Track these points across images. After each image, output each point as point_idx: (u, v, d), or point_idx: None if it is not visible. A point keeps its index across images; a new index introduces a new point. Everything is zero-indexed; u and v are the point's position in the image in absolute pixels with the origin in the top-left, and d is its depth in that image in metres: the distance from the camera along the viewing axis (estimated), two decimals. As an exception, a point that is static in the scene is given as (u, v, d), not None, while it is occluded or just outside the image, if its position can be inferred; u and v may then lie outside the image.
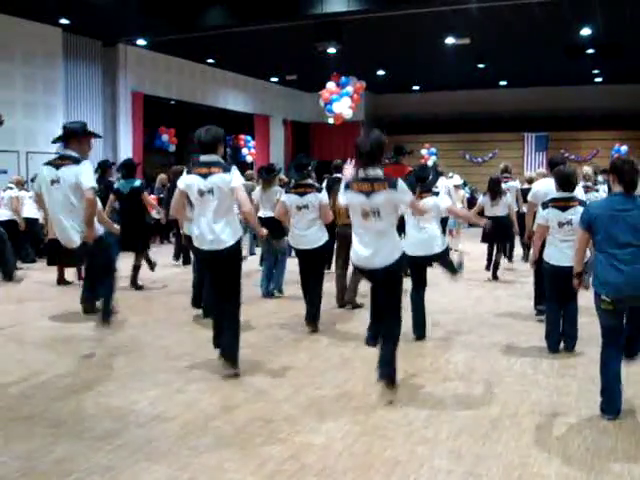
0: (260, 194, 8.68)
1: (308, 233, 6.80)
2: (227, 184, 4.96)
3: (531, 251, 6.58)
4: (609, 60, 17.55)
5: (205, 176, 5.01)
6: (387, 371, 4.77)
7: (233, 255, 5.18)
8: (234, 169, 5.05)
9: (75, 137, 5.63)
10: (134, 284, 9.34)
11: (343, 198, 4.88)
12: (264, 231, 5.80)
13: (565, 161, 7.32)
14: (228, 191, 4.98)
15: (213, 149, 5.11)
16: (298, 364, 5.74)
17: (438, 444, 4.03)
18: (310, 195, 6.78)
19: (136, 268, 9.39)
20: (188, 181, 5.14)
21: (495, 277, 10.45)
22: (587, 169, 9.92)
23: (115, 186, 9.45)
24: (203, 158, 5.11)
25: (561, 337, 6.16)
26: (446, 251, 6.57)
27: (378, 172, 4.67)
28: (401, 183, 4.68)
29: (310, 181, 6.99)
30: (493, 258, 10.59)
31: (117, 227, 6.97)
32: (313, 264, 6.93)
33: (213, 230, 5.06)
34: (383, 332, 4.93)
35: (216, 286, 5.43)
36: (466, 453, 3.89)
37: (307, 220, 6.79)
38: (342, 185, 4.92)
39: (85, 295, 6.69)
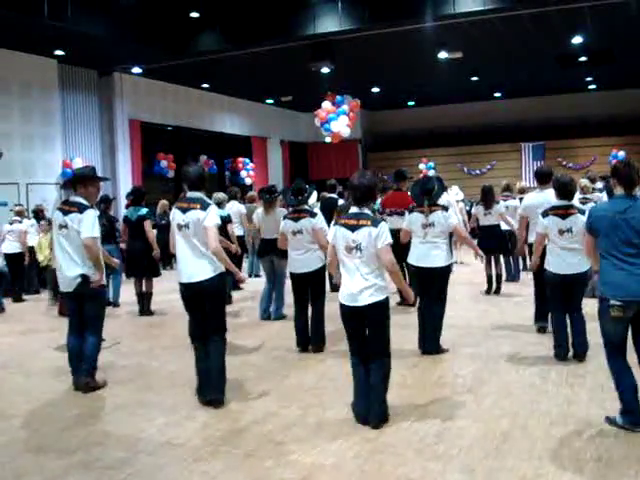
0: (262, 216, 8.63)
1: (304, 257, 6.89)
2: (201, 222, 5.07)
3: (529, 260, 6.57)
4: (601, 67, 17.65)
5: (184, 211, 5.17)
6: (378, 409, 4.64)
7: (211, 288, 5.15)
8: (211, 208, 5.15)
9: (82, 182, 5.81)
10: (146, 311, 9.48)
11: (331, 233, 4.84)
12: (242, 276, 5.76)
13: (552, 170, 7.30)
14: (202, 227, 5.08)
15: (198, 186, 5.28)
16: (306, 385, 5.73)
17: (450, 459, 4.01)
18: (304, 220, 6.87)
19: (148, 295, 9.56)
20: (172, 215, 5.34)
21: (498, 291, 10.21)
22: (584, 181, 9.86)
23: (124, 213, 9.64)
24: (188, 194, 5.32)
25: (569, 345, 6.14)
26: (449, 267, 6.55)
27: (366, 210, 4.73)
28: (383, 225, 4.65)
29: (306, 207, 7.12)
30: (493, 271, 10.22)
31: (116, 261, 7.07)
32: (312, 287, 7.00)
33: (189, 263, 5.17)
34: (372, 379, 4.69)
35: (198, 321, 5.28)
36: (478, 467, 3.87)
37: (303, 244, 6.89)
38: (332, 223, 4.96)
39: (76, 367, 5.88)
